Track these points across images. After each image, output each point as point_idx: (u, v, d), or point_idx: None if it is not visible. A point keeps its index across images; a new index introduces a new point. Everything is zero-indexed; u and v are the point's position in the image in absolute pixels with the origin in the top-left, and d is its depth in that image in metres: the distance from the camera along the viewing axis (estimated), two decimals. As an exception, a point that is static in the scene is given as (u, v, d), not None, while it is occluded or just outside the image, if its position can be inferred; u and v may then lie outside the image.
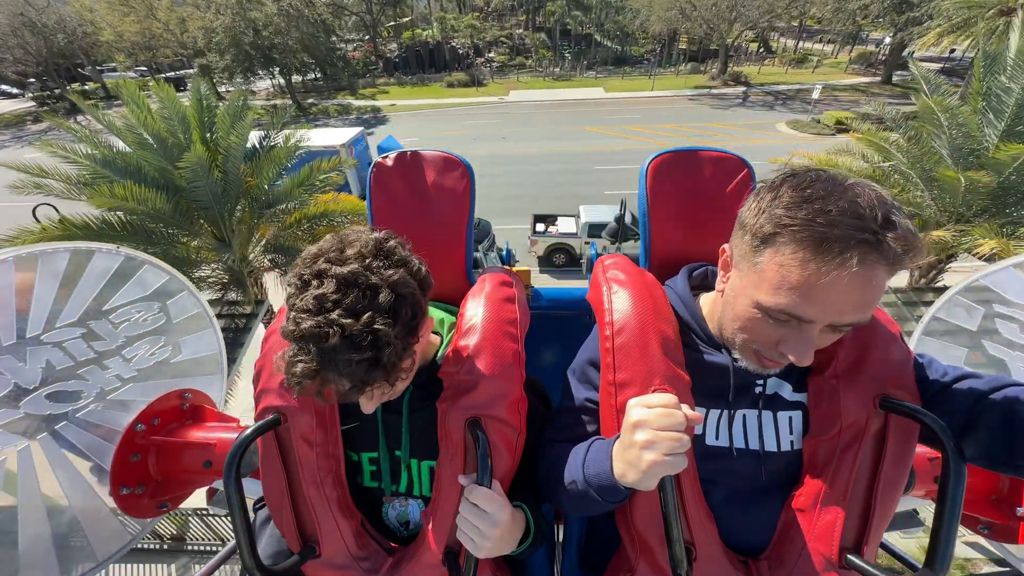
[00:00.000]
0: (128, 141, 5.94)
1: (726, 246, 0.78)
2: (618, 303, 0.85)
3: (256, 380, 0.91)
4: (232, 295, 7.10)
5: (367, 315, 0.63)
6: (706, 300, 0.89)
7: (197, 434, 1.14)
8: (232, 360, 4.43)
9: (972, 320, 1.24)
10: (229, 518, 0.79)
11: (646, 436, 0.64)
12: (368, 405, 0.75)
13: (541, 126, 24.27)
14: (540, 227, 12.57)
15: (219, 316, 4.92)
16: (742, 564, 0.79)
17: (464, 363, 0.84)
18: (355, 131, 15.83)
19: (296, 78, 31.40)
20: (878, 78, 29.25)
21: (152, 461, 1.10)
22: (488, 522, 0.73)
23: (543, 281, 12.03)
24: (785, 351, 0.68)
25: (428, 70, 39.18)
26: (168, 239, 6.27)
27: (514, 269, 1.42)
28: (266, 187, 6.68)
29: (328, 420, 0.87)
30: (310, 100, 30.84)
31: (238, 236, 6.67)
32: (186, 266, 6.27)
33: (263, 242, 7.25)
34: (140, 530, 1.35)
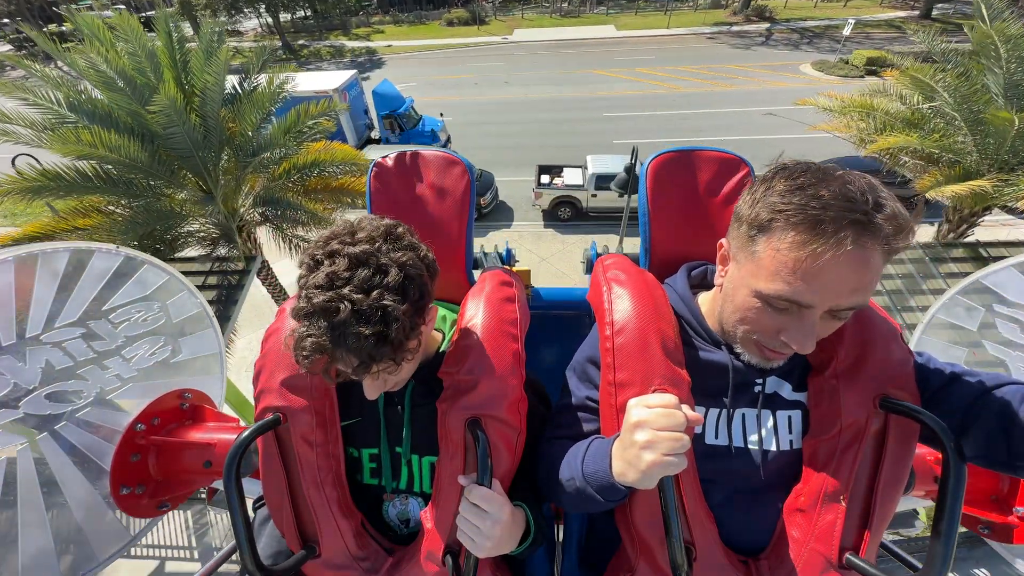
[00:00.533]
0: (94, 81, 5.27)
1: (723, 240, 0.79)
2: (618, 303, 0.85)
3: (256, 380, 0.91)
4: (222, 250, 6.60)
5: (376, 291, 0.65)
6: (705, 298, 0.89)
7: (197, 434, 1.14)
8: (226, 317, 4.22)
9: (972, 320, 1.24)
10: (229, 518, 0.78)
11: (646, 436, 0.64)
12: (372, 388, 0.76)
13: (547, 69, 22.92)
14: (545, 178, 11.88)
15: (210, 272, 4.69)
16: (742, 564, 0.79)
17: (464, 363, 0.84)
18: (348, 74, 15.09)
19: (285, 17, 29.23)
20: (916, 12, 26.24)
21: (152, 461, 1.09)
22: (488, 522, 0.73)
23: (549, 235, 11.55)
24: (787, 340, 0.68)
25: (426, 6, 36.28)
26: (150, 191, 5.75)
27: (514, 269, 1.42)
28: (250, 133, 6.01)
29: (328, 420, 0.87)
30: (301, 41, 28.91)
31: (224, 187, 6.16)
32: (173, 220, 5.90)
33: (253, 195, 6.68)
34: (140, 530, 1.35)
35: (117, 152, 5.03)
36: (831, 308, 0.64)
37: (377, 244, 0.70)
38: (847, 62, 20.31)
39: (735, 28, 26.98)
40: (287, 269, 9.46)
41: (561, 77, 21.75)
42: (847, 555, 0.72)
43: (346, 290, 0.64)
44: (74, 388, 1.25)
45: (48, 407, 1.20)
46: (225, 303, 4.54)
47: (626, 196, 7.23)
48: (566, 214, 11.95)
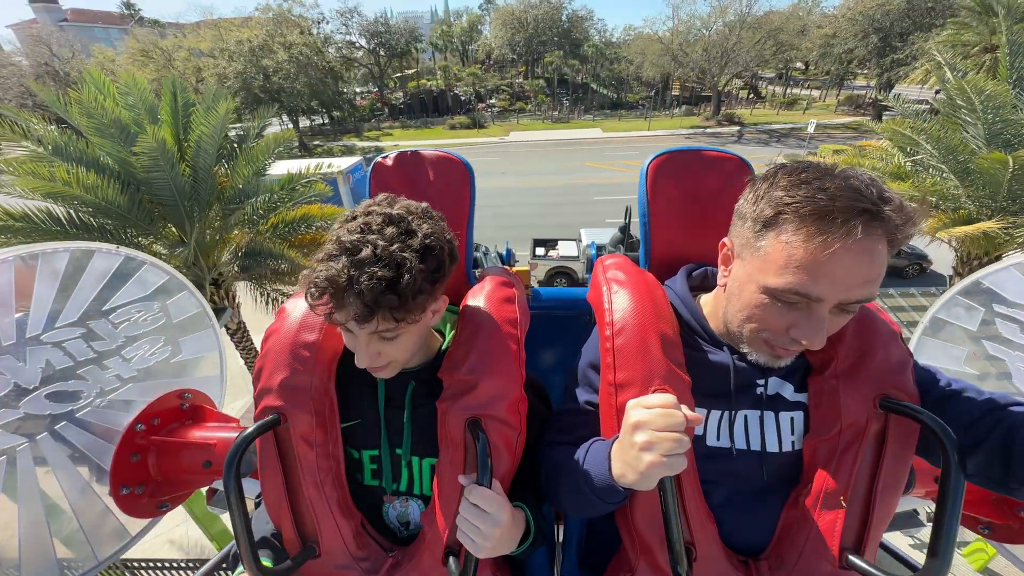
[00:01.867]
0: (85, 128, 5.09)
1: (726, 240, 0.79)
2: (618, 303, 0.85)
3: (256, 380, 0.91)
4: None
5: (398, 245, 0.72)
6: (706, 300, 0.89)
7: (197, 434, 1.14)
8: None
9: (972, 320, 1.24)
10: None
11: (645, 437, 0.64)
12: (365, 354, 0.77)
13: (540, 162, 24.77)
14: (540, 251, 12.13)
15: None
16: (742, 564, 0.79)
17: (464, 363, 0.84)
18: (354, 160, 16.00)
19: (304, 123, 32.36)
20: (868, 117, 30.64)
21: (152, 461, 1.09)
22: (488, 522, 0.73)
23: None
24: (797, 336, 0.67)
25: (432, 115, 40.89)
26: (124, 240, 5.49)
27: (514, 269, 1.42)
28: (240, 187, 5.87)
29: (328, 420, 0.87)
30: (316, 142, 31.53)
31: (201, 235, 5.90)
32: None
33: (236, 249, 6.48)
34: (140, 530, 1.35)
35: (93, 193, 4.85)
36: (841, 301, 0.64)
37: (412, 214, 0.77)
38: (815, 154, 21.96)
39: (709, 130, 30.66)
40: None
41: (554, 168, 23.39)
42: (847, 555, 0.72)
43: (372, 237, 0.71)
44: (74, 388, 1.25)
45: (48, 407, 1.20)
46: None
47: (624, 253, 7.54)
48: (562, 284, 12.01)
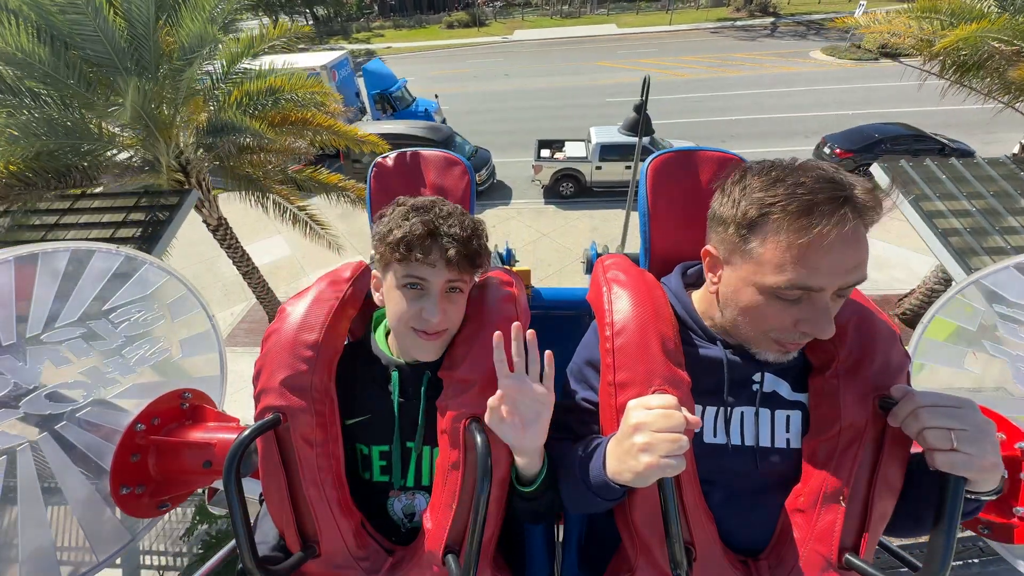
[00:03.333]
0: None
1: (708, 248, 0.79)
2: (618, 304, 0.85)
3: (256, 380, 0.91)
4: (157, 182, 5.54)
5: (459, 211, 0.87)
6: (698, 297, 0.90)
7: (197, 434, 1.14)
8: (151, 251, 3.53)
9: (972, 320, 1.24)
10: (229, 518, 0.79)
11: (645, 439, 0.64)
12: (438, 307, 0.83)
13: (547, 63, 22.59)
14: (545, 153, 11.05)
15: (133, 208, 4.01)
16: (742, 564, 0.79)
17: (464, 362, 0.84)
18: (338, 53, 14.66)
19: (285, 20, 29.95)
20: None
21: (152, 461, 1.09)
22: (533, 399, 0.78)
23: (550, 211, 10.81)
24: (807, 330, 0.68)
25: (427, 12, 36.73)
26: (61, 106, 4.61)
27: (514, 269, 1.42)
28: (185, 44, 4.82)
29: (328, 420, 0.87)
30: (300, 46, 29.16)
31: (145, 102, 4.86)
32: (86, 140, 4.75)
33: (196, 126, 5.66)
34: (140, 530, 1.35)
35: (2, 39, 4.01)
36: (840, 287, 0.66)
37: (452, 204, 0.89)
38: (859, 47, 19.23)
39: (739, 23, 26.72)
40: (263, 249, 9.00)
41: (563, 68, 21.32)
42: (846, 555, 0.72)
43: (439, 205, 0.85)
44: (74, 388, 1.25)
45: (48, 407, 1.20)
46: (148, 240, 3.79)
47: (638, 137, 6.34)
48: (568, 190, 10.96)
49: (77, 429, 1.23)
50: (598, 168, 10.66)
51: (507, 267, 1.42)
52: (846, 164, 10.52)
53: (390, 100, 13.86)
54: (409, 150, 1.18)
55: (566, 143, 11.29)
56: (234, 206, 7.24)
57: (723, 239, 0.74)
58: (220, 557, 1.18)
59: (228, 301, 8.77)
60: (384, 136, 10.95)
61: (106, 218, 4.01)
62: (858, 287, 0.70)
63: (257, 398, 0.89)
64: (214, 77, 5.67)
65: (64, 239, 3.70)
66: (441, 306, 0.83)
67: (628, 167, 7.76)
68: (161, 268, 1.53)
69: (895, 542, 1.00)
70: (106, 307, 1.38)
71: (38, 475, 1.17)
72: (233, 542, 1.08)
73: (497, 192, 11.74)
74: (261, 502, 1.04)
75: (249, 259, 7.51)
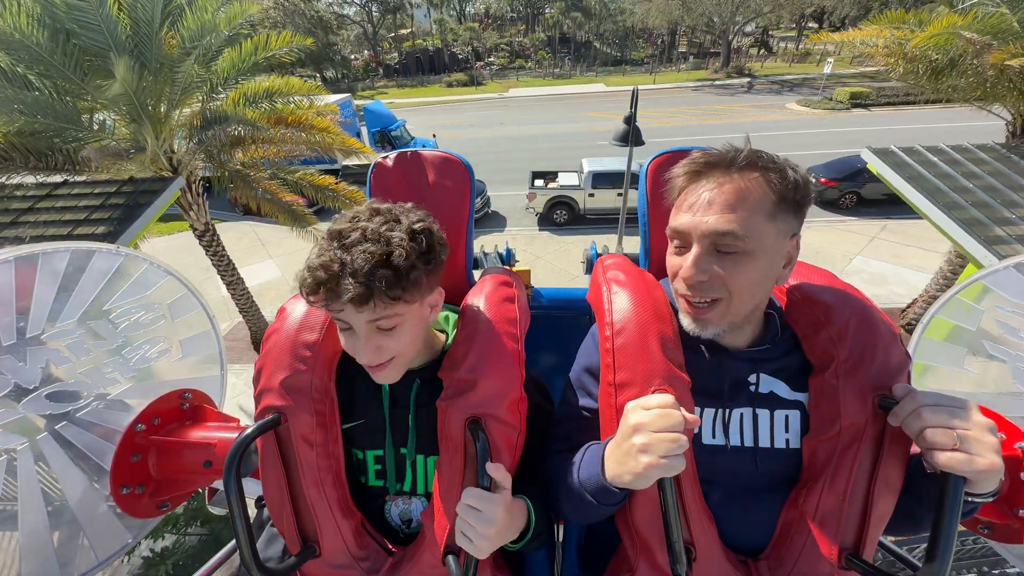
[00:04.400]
0: None
1: None
2: (618, 304, 0.85)
3: (256, 380, 0.91)
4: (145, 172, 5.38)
5: (387, 226, 0.75)
6: None
7: (197, 434, 1.14)
8: (115, 235, 3.42)
9: (972, 320, 1.24)
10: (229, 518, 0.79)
11: (644, 439, 0.64)
12: (366, 347, 0.76)
13: (541, 114, 23.92)
14: (539, 183, 11.44)
15: (115, 193, 3.78)
16: (742, 564, 0.79)
17: (464, 362, 0.84)
18: (342, 96, 15.11)
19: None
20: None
21: (152, 461, 1.09)
22: (482, 520, 0.72)
23: (544, 237, 11.20)
24: (681, 273, 0.76)
25: (428, 74, 39.96)
26: (58, 98, 4.61)
27: (514, 269, 1.42)
28: (185, 44, 4.94)
29: (328, 420, 0.87)
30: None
31: (141, 93, 4.90)
32: (71, 123, 4.70)
33: (190, 126, 5.67)
34: (140, 530, 1.35)
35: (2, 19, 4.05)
36: (701, 232, 0.73)
37: (398, 208, 0.81)
38: (831, 99, 21.33)
39: (718, 83, 29.61)
40: (253, 273, 9.17)
41: (555, 118, 22.79)
42: (846, 555, 0.72)
43: (361, 223, 0.75)
44: (74, 388, 1.25)
45: (48, 407, 1.20)
46: (123, 221, 3.55)
47: (630, 146, 6.76)
48: (562, 217, 11.45)
49: (77, 429, 1.23)
50: (591, 196, 11.09)
51: (507, 267, 1.42)
52: (830, 192, 11.27)
53: (390, 138, 14.50)
54: (409, 150, 1.18)
55: (559, 173, 11.74)
56: (226, 236, 7.42)
57: None
58: (220, 557, 1.18)
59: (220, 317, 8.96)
60: None
61: (84, 203, 3.82)
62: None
63: (257, 398, 0.89)
64: (212, 80, 5.70)
65: (35, 222, 3.55)
66: (372, 345, 0.76)
67: (620, 194, 8.05)
68: (161, 268, 1.53)
69: (894, 541, 1.00)
70: (106, 307, 1.38)
71: (38, 475, 1.17)
72: (233, 542, 1.08)
73: (492, 221, 12.29)
74: (259, 506, 1.04)
75: (235, 270, 7.52)
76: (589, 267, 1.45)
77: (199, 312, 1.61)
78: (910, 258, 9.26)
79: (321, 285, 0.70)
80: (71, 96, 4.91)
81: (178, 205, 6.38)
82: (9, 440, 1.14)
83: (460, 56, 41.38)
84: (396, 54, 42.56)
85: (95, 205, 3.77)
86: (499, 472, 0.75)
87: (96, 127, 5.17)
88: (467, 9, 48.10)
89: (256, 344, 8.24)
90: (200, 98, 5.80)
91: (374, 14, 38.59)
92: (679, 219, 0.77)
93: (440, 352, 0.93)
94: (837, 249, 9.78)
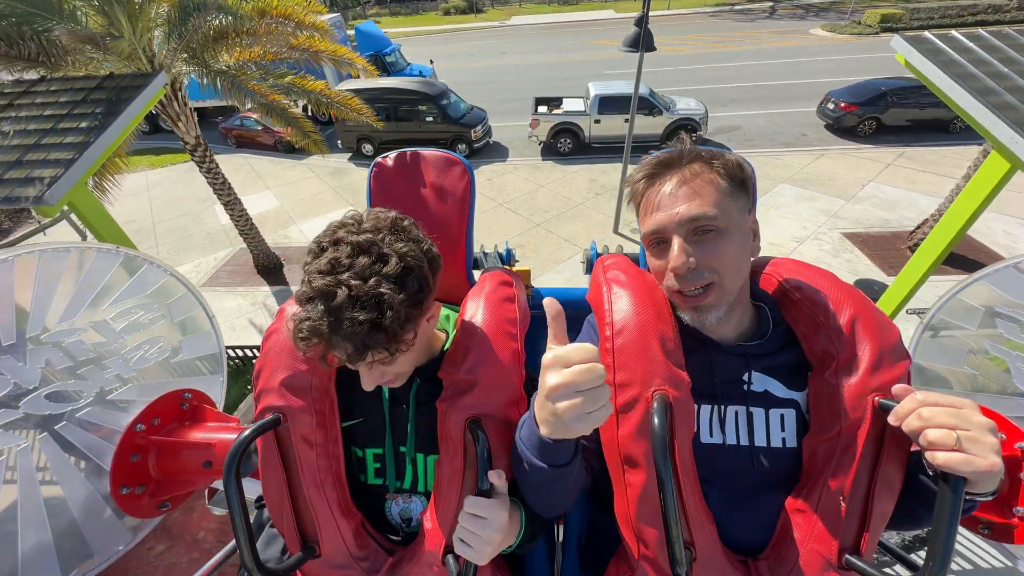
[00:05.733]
0: None
1: None
2: (618, 304, 0.85)
3: (256, 380, 0.91)
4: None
5: (374, 279, 0.67)
6: None
7: (197, 434, 1.14)
8: (87, 144, 3.14)
9: (972, 320, 1.24)
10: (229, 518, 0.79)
11: (567, 402, 0.59)
12: (368, 379, 0.76)
13: (545, 42, 22.55)
14: (543, 109, 10.82)
15: (95, 88, 3.58)
16: (741, 564, 0.79)
17: (464, 362, 0.84)
18: (332, 16, 13.89)
19: None
20: None
21: (152, 461, 1.10)
22: (488, 529, 0.71)
23: (547, 166, 10.69)
24: (671, 268, 0.79)
25: (423, 0, 36.51)
26: None
27: (514, 269, 1.42)
28: None
29: (328, 420, 0.87)
30: None
31: None
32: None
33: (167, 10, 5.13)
34: (140, 530, 1.35)
35: None
36: (678, 221, 0.77)
37: (381, 234, 0.72)
38: (859, 23, 19.86)
39: (737, 7, 27.30)
40: (251, 203, 8.81)
41: (561, 46, 21.36)
42: (846, 555, 0.72)
43: (345, 276, 0.67)
44: (74, 388, 1.25)
45: (48, 407, 1.20)
46: (107, 116, 3.33)
47: (640, 52, 6.09)
48: (566, 146, 10.74)
49: (77, 429, 1.23)
50: (597, 122, 10.37)
51: (507, 267, 1.41)
52: (849, 118, 10.37)
53: (384, 63, 13.52)
54: (409, 150, 1.18)
55: (564, 99, 11.02)
56: (221, 168, 7.12)
57: None
58: (220, 557, 1.18)
59: (212, 247, 8.90)
60: (374, 91, 10.58)
61: (64, 99, 3.60)
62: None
63: (257, 398, 0.89)
64: None
65: (15, 117, 3.40)
66: (374, 375, 0.76)
67: (627, 120, 7.41)
68: (161, 268, 1.53)
69: (895, 540, 1.00)
70: (106, 307, 1.38)
71: (38, 475, 1.17)
72: (233, 542, 1.08)
73: (494, 151, 11.68)
74: (258, 506, 1.04)
75: (231, 189, 7.13)
76: (589, 267, 1.45)
77: (199, 312, 1.61)
78: (924, 184, 8.69)
79: (317, 344, 0.68)
80: None
81: (166, 116, 6.13)
82: (9, 440, 1.14)
83: None
84: None
85: (76, 100, 3.56)
86: (500, 479, 0.75)
87: (67, 14, 4.78)
88: None
89: (259, 267, 7.93)
90: None
91: None
92: (653, 219, 0.80)
93: (440, 352, 0.93)
94: (851, 175, 9.22)
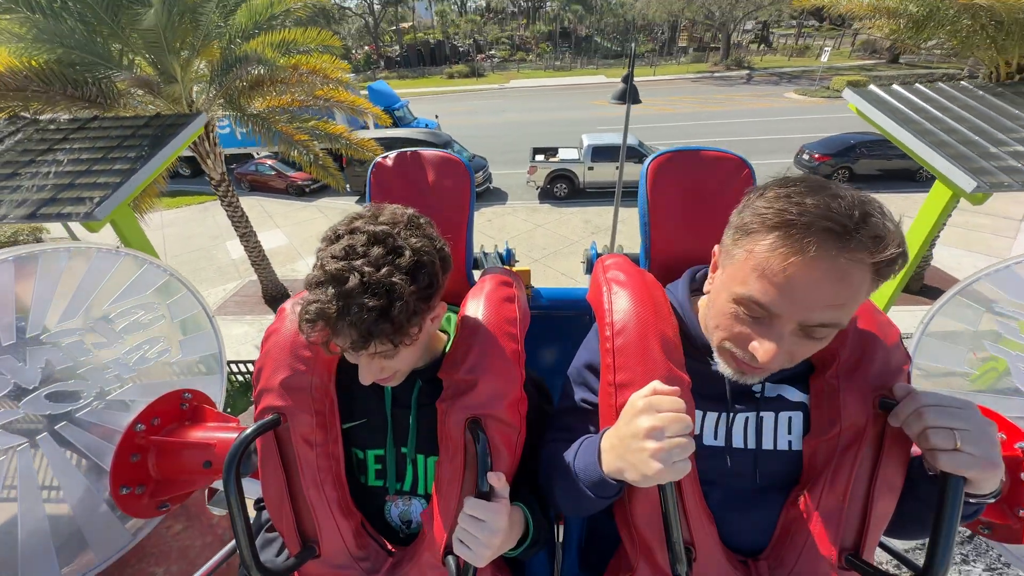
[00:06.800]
0: None
1: (717, 247, 0.79)
2: (618, 303, 0.85)
3: (256, 380, 0.91)
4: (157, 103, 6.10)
5: (387, 268, 0.68)
6: (703, 303, 0.88)
7: (197, 434, 1.14)
8: (132, 171, 3.70)
9: (972, 320, 1.24)
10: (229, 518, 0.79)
11: (657, 445, 0.62)
12: (367, 372, 0.76)
13: (542, 102, 24.85)
14: (540, 158, 11.92)
15: (144, 127, 4.24)
16: (742, 564, 0.79)
17: (464, 363, 0.84)
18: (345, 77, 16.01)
19: None
20: (883, 60, 29.93)
21: (152, 461, 1.09)
22: (486, 531, 0.71)
23: (544, 209, 11.74)
24: (754, 349, 0.66)
25: (429, 66, 40.85)
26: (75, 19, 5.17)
27: (514, 269, 1.42)
28: None
29: (328, 420, 0.87)
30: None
31: (168, 32, 5.49)
32: (93, 54, 5.30)
33: (210, 65, 6.25)
34: (140, 530, 1.35)
35: None
36: (802, 321, 0.62)
37: (397, 228, 0.73)
38: (828, 88, 22.50)
39: (717, 75, 30.67)
40: (261, 241, 9.50)
41: (556, 105, 23.83)
42: (846, 555, 0.72)
43: (359, 262, 0.67)
44: (74, 388, 1.25)
45: (48, 407, 1.20)
46: (153, 146, 3.93)
47: (627, 105, 6.89)
48: (562, 191, 11.80)
49: (77, 429, 1.23)
50: (590, 169, 11.43)
51: (507, 267, 1.42)
52: (823, 168, 11.42)
53: (393, 117, 14.94)
54: (409, 150, 1.18)
55: (559, 149, 12.10)
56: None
57: (724, 242, 0.74)
58: (220, 557, 1.18)
59: (222, 280, 9.74)
60: (385, 140, 11.71)
61: (114, 133, 4.22)
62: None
63: (257, 398, 0.89)
64: (231, 32, 6.28)
65: (69, 148, 3.99)
66: (374, 368, 0.76)
67: (618, 167, 8.16)
68: (161, 268, 1.53)
69: (896, 543, 1.00)
70: (106, 307, 1.38)
71: (37, 475, 1.17)
72: (233, 542, 1.08)
73: (494, 196, 12.78)
74: (258, 507, 1.04)
75: (248, 222, 8.01)
76: (589, 267, 1.45)
77: (199, 312, 1.61)
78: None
79: (321, 325, 0.68)
80: (102, 36, 5.57)
81: (196, 153, 7.01)
82: (9, 440, 1.14)
83: (461, 49, 42.24)
84: (397, 47, 43.38)
85: (126, 135, 4.19)
86: (500, 482, 0.75)
87: (124, 65, 5.80)
88: (468, 4, 49.48)
89: (267, 297, 8.72)
90: (219, 48, 6.36)
91: (375, 7, 39.37)
92: (767, 294, 0.62)
93: (441, 353, 0.93)
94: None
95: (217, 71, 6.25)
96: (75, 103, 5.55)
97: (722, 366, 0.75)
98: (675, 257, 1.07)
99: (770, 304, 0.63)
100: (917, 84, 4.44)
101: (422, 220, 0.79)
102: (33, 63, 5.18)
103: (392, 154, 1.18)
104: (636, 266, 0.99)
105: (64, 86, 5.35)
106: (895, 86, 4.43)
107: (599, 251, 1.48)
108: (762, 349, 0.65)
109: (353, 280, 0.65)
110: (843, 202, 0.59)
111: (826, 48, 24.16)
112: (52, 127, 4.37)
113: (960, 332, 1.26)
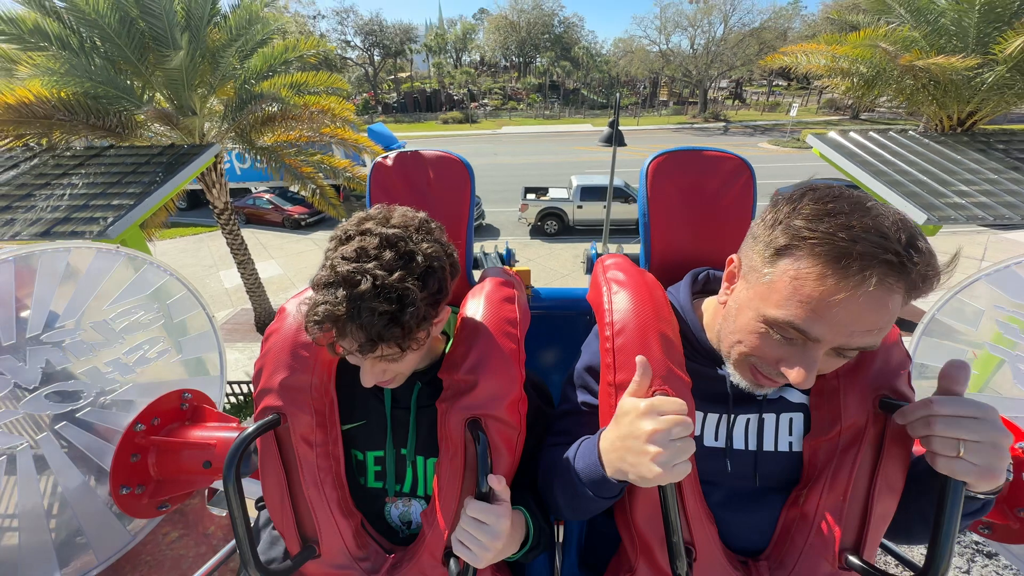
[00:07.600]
0: None
1: (734, 256, 0.76)
2: (618, 303, 0.85)
3: (256, 380, 0.90)
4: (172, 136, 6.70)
5: (400, 273, 0.67)
6: (708, 305, 0.87)
7: (197, 434, 1.14)
8: (145, 194, 3.99)
9: (972, 320, 1.24)
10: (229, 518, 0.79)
11: (658, 448, 0.62)
12: (370, 375, 0.76)
13: (532, 146, 27.13)
14: (531, 197, 12.55)
15: (156, 155, 4.56)
16: (742, 564, 0.79)
17: (464, 363, 0.84)
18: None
19: None
20: (847, 116, 36.00)
21: (152, 461, 1.09)
22: (488, 534, 0.71)
23: (536, 244, 12.30)
24: (786, 371, 0.64)
25: (425, 112, 44.31)
26: (102, 56, 5.74)
27: (514, 269, 1.42)
28: (232, 33, 6.30)
29: (328, 420, 0.87)
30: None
31: (186, 73, 6.10)
32: (117, 88, 5.81)
33: (225, 103, 6.86)
34: (140, 530, 1.35)
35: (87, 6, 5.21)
36: (839, 346, 0.61)
37: (409, 231, 0.73)
38: (798, 139, 25.28)
39: (696, 126, 34.61)
40: (259, 269, 9.94)
41: (546, 149, 25.92)
42: (847, 555, 0.72)
43: (371, 265, 0.66)
44: (74, 388, 1.25)
45: (48, 407, 1.20)
46: (167, 172, 4.20)
47: (613, 147, 7.50)
48: (552, 228, 12.44)
49: (77, 429, 1.23)
50: (579, 207, 12.10)
51: (507, 267, 1.41)
52: None
53: None
54: (409, 149, 1.18)
55: (550, 189, 12.85)
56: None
57: (749, 255, 0.70)
58: (220, 557, 1.18)
59: (215, 308, 10.09)
60: None
61: (129, 160, 4.47)
62: None
63: (257, 398, 0.89)
64: (246, 75, 6.88)
65: (85, 173, 4.22)
66: (376, 371, 0.76)
67: (605, 207, 8.82)
68: (161, 268, 1.53)
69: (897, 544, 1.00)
70: (106, 307, 1.38)
71: (37, 475, 1.17)
72: (233, 542, 1.08)
73: (486, 231, 13.49)
74: (259, 507, 1.04)
75: (247, 250, 8.45)
76: (589, 267, 1.45)
77: (199, 312, 1.61)
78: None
79: (329, 326, 0.67)
80: (126, 74, 6.11)
81: (203, 183, 7.49)
82: (9, 440, 1.14)
83: (456, 97, 45.56)
84: (395, 94, 46.81)
85: (140, 162, 4.44)
86: (500, 484, 0.74)
87: (145, 100, 6.33)
88: (463, 58, 53.57)
89: (259, 324, 9.16)
90: (234, 87, 6.93)
91: (375, 58, 42.44)
92: (808, 322, 0.60)
93: (441, 354, 0.93)
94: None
95: (231, 107, 6.80)
96: (95, 132, 6.01)
97: (736, 376, 0.74)
98: (675, 257, 1.07)
99: (809, 330, 0.60)
100: (871, 132, 5.16)
101: (433, 225, 0.78)
102: (62, 94, 5.62)
103: (392, 154, 1.18)
104: (636, 266, 0.98)
105: (87, 116, 5.79)
106: (852, 133, 5.21)
107: (599, 251, 1.48)
108: (795, 373, 0.63)
109: (365, 284, 0.65)
110: (889, 223, 0.57)
111: (795, 104, 27.43)
112: (68, 154, 4.62)
113: (960, 332, 1.26)
